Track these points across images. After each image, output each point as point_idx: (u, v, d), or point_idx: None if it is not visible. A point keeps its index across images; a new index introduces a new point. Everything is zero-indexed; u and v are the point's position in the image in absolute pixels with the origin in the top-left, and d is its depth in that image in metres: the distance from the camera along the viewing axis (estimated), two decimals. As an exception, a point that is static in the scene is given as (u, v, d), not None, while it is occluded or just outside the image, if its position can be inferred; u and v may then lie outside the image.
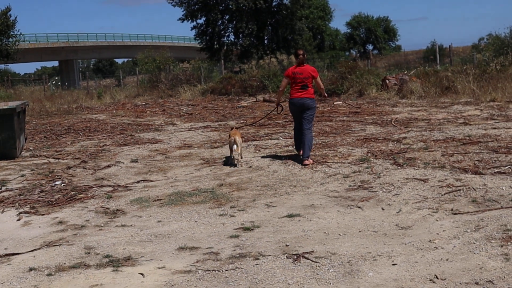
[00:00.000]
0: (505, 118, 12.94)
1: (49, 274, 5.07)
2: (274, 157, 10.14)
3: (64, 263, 5.34)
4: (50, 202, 7.96)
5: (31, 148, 13.26)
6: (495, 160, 8.26)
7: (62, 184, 9.07)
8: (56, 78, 56.67)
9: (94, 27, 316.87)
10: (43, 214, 7.35)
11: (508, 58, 19.78)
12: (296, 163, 9.42)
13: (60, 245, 5.98)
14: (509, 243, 4.99)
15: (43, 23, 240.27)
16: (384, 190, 7.31)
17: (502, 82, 17.93)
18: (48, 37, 73.95)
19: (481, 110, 14.92)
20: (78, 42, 76.79)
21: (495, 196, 6.50)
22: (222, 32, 48.76)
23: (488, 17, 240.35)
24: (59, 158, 11.63)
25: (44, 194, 8.47)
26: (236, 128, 10.83)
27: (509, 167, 7.78)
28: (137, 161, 10.75)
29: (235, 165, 9.69)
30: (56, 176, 9.73)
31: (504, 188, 6.73)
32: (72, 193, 8.44)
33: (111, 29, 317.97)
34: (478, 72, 19.83)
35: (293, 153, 10.21)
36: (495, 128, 11.16)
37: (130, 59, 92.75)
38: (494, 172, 7.59)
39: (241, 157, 9.94)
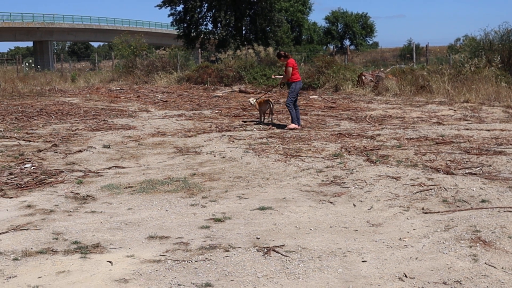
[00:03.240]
0: (477, 120, 13.08)
1: (15, 259, 4.98)
2: (248, 148, 10.11)
3: (31, 248, 5.26)
4: (19, 185, 7.85)
5: (1, 129, 13.05)
6: (467, 161, 8.34)
7: (32, 167, 8.94)
8: (30, 59, 55.74)
9: (70, 9, 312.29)
10: (11, 197, 7.24)
11: (483, 60, 19.96)
12: (269, 155, 9.41)
13: (27, 229, 5.89)
14: (477, 244, 5.03)
15: (18, 2, 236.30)
16: (357, 186, 7.33)
17: (476, 83, 18.11)
18: (23, 16, 72.74)
19: (455, 110, 15.06)
20: (53, 23, 75.64)
21: (466, 197, 6.55)
22: (200, 20, 48.60)
23: (464, 18, 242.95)
24: (29, 141, 11.46)
25: (13, 176, 8.34)
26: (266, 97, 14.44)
27: (480, 169, 7.86)
28: (109, 147, 10.64)
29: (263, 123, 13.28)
30: (26, 159, 9.59)
31: (474, 189, 6.78)
32: (42, 177, 8.32)
33: (87, 12, 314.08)
34: (453, 73, 19.99)
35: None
36: (467, 129, 11.26)
37: (106, 43, 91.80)
38: (465, 173, 7.66)
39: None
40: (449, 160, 8.46)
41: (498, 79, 18.73)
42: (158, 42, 75.99)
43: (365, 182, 7.47)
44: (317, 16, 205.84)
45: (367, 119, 13.69)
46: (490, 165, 8.00)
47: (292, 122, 12.67)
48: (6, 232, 5.80)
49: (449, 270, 4.53)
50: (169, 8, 48.46)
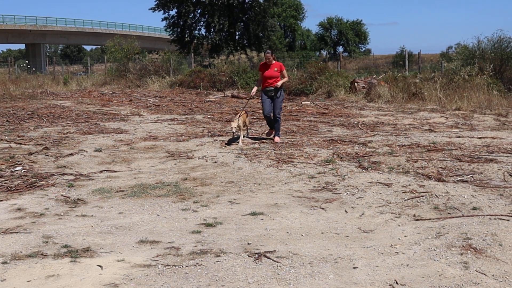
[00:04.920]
0: (469, 127, 13.12)
1: (4, 262, 4.95)
2: (240, 153, 10.10)
3: (21, 252, 5.23)
4: (9, 188, 7.80)
5: (-8, 132, 12.98)
6: (458, 168, 8.36)
7: (23, 170, 8.90)
8: (25, 62, 55.52)
9: (63, 12, 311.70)
10: (1, 200, 7.20)
11: (475, 68, 20.05)
12: (261, 161, 9.41)
13: (17, 232, 5.85)
14: (468, 251, 5.04)
15: (9, 4, 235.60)
16: (348, 192, 7.33)
17: (468, 91, 18.18)
18: (15, 19, 72.58)
19: (447, 118, 15.11)
20: (46, 26, 75.47)
21: (457, 204, 6.56)
22: (194, 25, 48.62)
23: (456, 26, 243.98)
24: (20, 143, 11.41)
25: (3, 179, 8.30)
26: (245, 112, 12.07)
27: (471, 176, 7.88)
28: (101, 151, 10.61)
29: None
30: (16, 162, 9.54)
31: (465, 196, 6.80)
32: (33, 180, 8.28)
33: (80, 15, 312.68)
34: (445, 81, 20.06)
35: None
36: (459, 137, 11.29)
37: (99, 46, 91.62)
38: (457, 180, 7.67)
39: (242, 136, 11.47)
40: (441, 167, 8.47)
41: (489, 87, 18.82)
42: (151, 46, 75.97)
43: (357, 188, 7.47)
44: (310, 22, 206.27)
45: (359, 126, 13.72)
46: (482, 173, 8.02)
47: (278, 135, 11.64)
48: (-5, 235, 5.76)
49: (440, 277, 4.53)
50: (162, 12, 48.51)
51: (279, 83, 11.35)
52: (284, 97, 12.32)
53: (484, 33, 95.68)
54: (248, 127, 12.36)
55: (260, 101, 12.49)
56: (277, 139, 11.44)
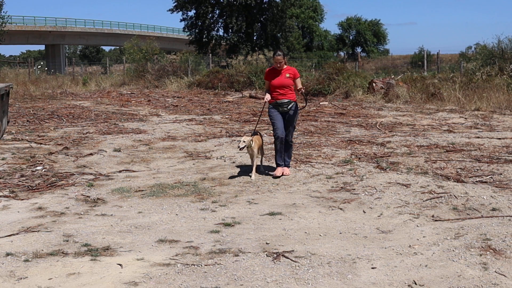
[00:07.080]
0: (488, 128, 13.03)
1: (26, 260, 5.01)
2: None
3: (42, 250, 5.29)
4: (30, 187, 7.89)
5: (13, 132, 13.13)
6: (477, 169, 8.31)
7: (43, 170, 9.00)
8: (42, 62, 55.98)
9: (82, 13, 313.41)
10: (22, 199, 7.28)
11: (495, 68, 19.89)
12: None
13: (38, 231, 5.93)
14: (488, 252, 5.02)
15: (30, 6, 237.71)
16: (366, 193, 7.32)
17: (487, 92, 18.05)
18: (35, 20, 73.31)
19: (466, 118, 15.01)
20: (65, 27, 76.13)
21: (476, 205, 6.53)
22: (212, 25, 48.77)
23: (475, 26, 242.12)
24: (41, 143, 11.53)
25: (24, 178, 8.39)
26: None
27: (491, 177, 7.83)
28: (120, 151, 10.69)
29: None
30: (37, 161, 9.65)
31: (485, 197, 6.76)
32: (53, 179, 8.37)
33: (99, 16, 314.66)
34: (464, 81, 19.93)
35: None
36: (478, 137, 11.23)
37: (117, 47, 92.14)
38: (476, 181, 7.63)
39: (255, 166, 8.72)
40: (460, 168, 8.43)
41: (509, 87, 18.66)
42: (169, 46, 76.25)
43: (375, 189, 7.46)
44: (328, 23, 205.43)
45: (378, 126, 13.68)
46: (501, 174, 7.97)
47: (289, 164, 8.86)
48: (17, 234, 5.83)
49: (459, 278, 4.51)
50: (180, 13, 48.75)
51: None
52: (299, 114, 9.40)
53: (505, 33, 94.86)
54: (264, 153, 9.36)
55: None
56: (287, 170, 8.66)
